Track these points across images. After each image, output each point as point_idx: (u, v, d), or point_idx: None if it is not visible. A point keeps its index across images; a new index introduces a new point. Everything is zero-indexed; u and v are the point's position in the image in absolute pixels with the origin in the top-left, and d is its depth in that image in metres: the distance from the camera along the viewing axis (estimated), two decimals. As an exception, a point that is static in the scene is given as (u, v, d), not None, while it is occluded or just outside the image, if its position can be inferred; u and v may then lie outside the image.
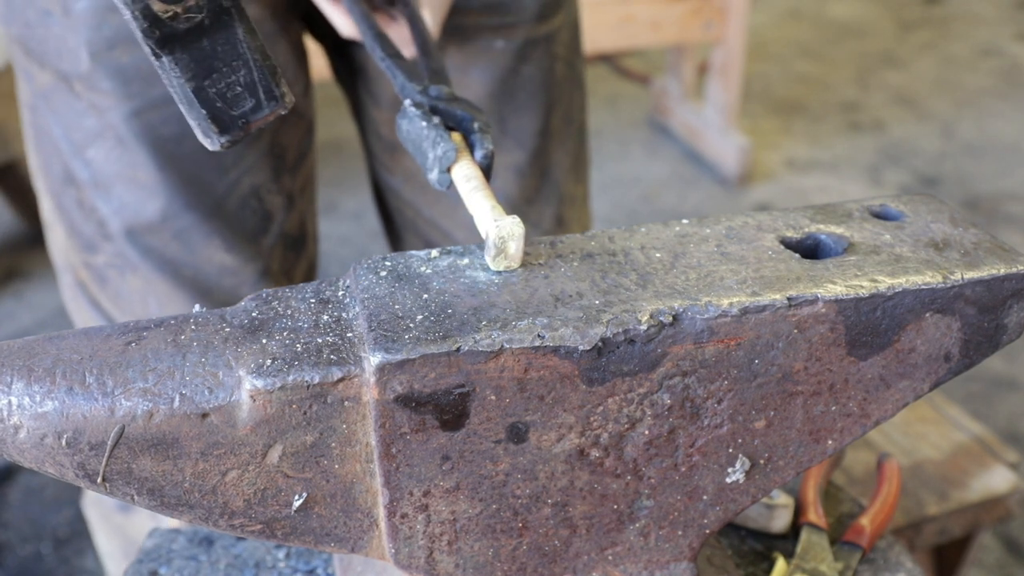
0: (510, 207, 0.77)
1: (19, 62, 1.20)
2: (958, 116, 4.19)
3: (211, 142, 0.75)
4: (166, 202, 1.18)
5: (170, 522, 1.17)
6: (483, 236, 0.77)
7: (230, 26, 0.74)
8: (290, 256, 1.32)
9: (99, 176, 1.18)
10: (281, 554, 1.04)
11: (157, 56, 0.72)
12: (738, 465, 0.79)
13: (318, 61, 1.37)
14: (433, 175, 0.84)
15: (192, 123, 0.75)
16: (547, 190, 1.37)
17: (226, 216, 1.22)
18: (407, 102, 0.90)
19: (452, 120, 0.88)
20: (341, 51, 1.36)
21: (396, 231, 1.48)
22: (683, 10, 3.38)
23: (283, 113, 0.77)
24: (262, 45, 0.76)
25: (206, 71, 0.74)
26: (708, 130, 3.75)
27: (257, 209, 1.25)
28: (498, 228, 0.75)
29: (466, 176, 0.82)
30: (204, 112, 0.74)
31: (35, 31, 1.13)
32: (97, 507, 1.43)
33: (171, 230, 1.20)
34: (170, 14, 0.71)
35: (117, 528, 1.39)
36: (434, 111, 0.89)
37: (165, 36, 0.71)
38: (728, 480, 0.79)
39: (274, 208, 1.27)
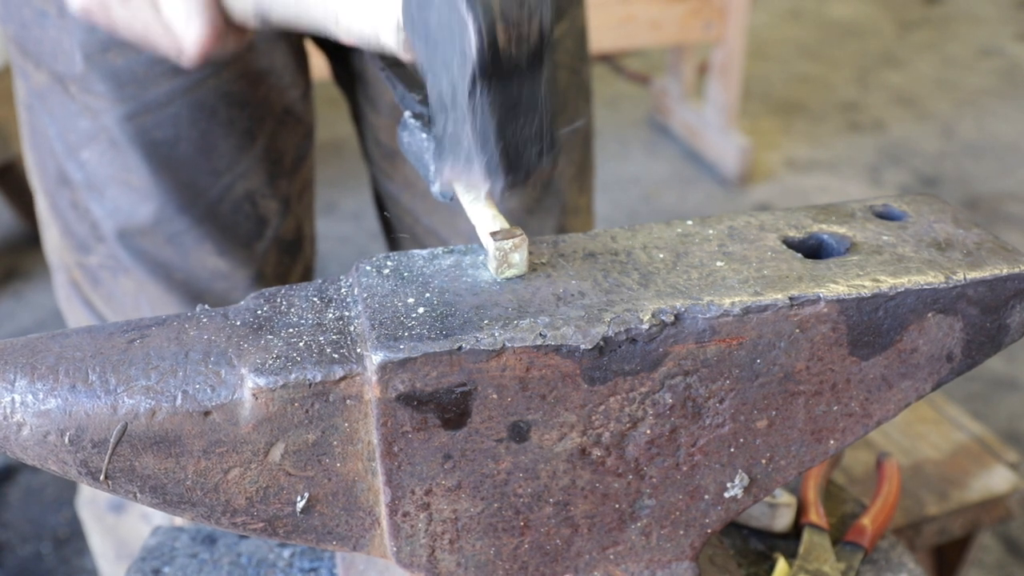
0: (510, 218, 0.77)
1: (16, 61, 1.19)
2: (958, 116, 4.19)
3: (492, 183, 0.73)
4: (159, 205, 1.18)
5: (171, 521, 1.16)
6: (485, 247, 0.77)
7: (538, 71, 0.72)
8: (285, 260, 1.31)
9: (92, 178, 1.18)
10: (284, 552, 1.04)
11: (473, 86, 0.69)
12: (737, 480, 0.79)
13: (319, 60, 1.36)
14: (435, 188, 0.83)
15: (477, 161, 0.72)
16: (549, 200, 1.36)
17: (219, 221, 1.22)
18: (407, 113, 0.89)
19: None
20: (341, 56, 1.36)
21: (395, 237, 1.47)
22: (683, 10, 3.38)
23: (552, 172, 0.75)
24: (553, 95, 0.73)
25: (509, 112, 0.71)
26: (708, 130, 3.75)
27: (251, 214, 1.24)
28: (499, 244, 0.75)
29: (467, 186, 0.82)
30: (499, 151, 0.71)
31: (31, 31, 1.13)
32: (90, 507, 1.42)
33: (164, 233, 1.20)
34: (506, 47, 0.68)
35: (110, 528, 1.39)
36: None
37: (490, 68, 0.68)
38: (726, 495, 0.79)
39: (269, 213, 1.26)
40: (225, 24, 0.86)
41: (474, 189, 0.75)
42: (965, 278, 0.76)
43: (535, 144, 0.74)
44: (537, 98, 0.72)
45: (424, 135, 0.84)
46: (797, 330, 0.74)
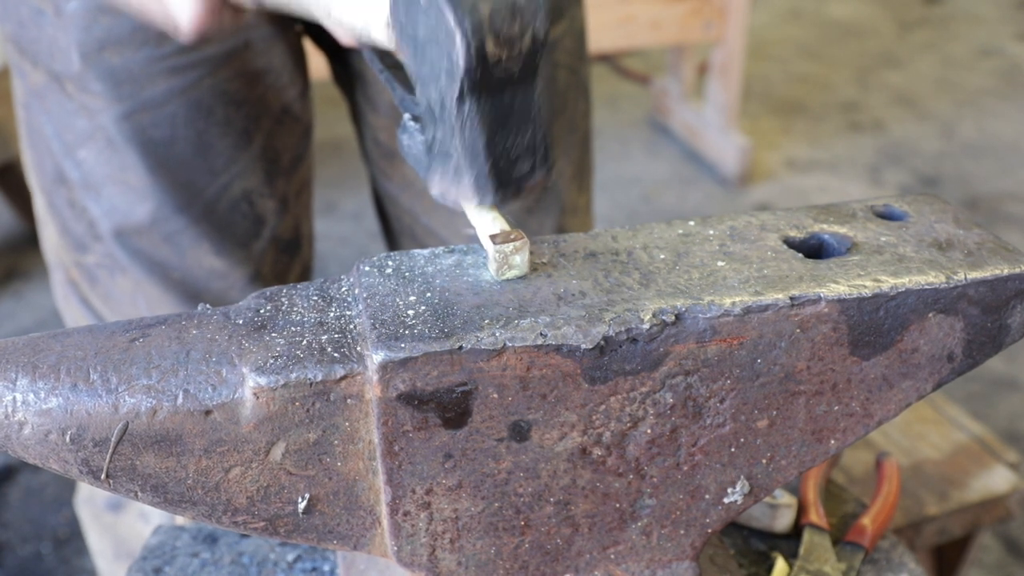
0: (509, 217, 0.77)
1: (13, 60, 1.20)
2: (958, 116, 4.19)
3: (480, 197, 0.71)
4: (156, 205, 1.18)
5: (171, 519, 1.16)
6: (486, 249, 0.76)
7: (530, 85, 0.70)
8: (283, 259, 1.31)
9: (89, 177, 1.18)
10: (285, 551, 1.04)
11: (462, 98, 0.67)
12: (738, 488, 0.79)
13: (318, 59, 1.36)
14: (435, 190, 0.83)
15: (466, 175, 0.71)
16: (548, 200, 1.36)
17: (216, 220, 1.22)
18: (406, 116, 0.89)
19: None
20: (340, 56, 1.35)
21: (394, 237, 1.47)
22: (683, 10, 3.38)
23: (545, 182, 0.73)
24: (545, 108, 0.72)
25: (499, 125, 0.69)
26: (708, 130, 3.75)
27: (248, 213, 1.24)
28: (499, 247, 0.75)
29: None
30: (488, 166, 0.70)
31: (28, 30, 1.13)
32: (88, 505, 1.42)
33: (160, 233, 1.20)
34: (496, 59, 0.66)
35: (108, 527, 1.39)
36: None
37: (480, 80, 0.66)
38: (726, 501, 0.79)
39: (266, 212, 1.26)
40: (221, 0, 0.85)
41: (464, 202, 0.74)
42: (966, 278, 0.76)
43: (528, 157, 0.72)
44: (530, 109, 0.70)
45: (423, 138, 0.84)
46: (798, 330, 0.74)
